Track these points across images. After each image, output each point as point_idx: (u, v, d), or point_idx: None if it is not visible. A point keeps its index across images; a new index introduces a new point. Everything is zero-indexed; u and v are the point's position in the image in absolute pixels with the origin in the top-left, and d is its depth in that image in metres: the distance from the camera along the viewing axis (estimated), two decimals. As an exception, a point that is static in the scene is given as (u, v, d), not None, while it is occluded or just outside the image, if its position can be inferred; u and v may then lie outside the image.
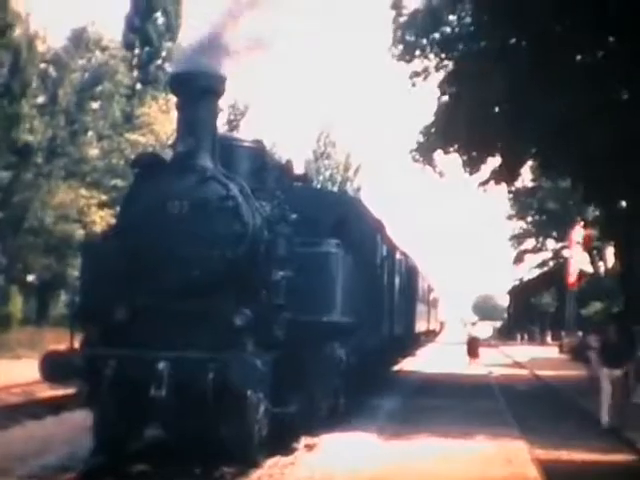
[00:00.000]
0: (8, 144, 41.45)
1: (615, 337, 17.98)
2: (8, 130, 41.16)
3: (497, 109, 26.16)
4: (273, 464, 12.79)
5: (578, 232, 54.69)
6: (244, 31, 13.00)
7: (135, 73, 53.65)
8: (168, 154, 13.62)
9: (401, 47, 27.74)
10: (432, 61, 28.00)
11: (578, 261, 55.86)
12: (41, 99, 46.86)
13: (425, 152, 28.98)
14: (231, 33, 12.89)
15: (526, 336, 79.76)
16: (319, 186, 67.94)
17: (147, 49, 54.72)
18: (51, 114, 46.49)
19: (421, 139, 29.03)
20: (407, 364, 36.59)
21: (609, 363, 17.72)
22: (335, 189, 71.53)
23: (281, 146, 57.90)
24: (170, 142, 17.58)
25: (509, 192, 57.40)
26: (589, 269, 62.89)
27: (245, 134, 16.43)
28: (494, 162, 29.35)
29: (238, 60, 13.27)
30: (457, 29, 27.25)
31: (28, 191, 43.52)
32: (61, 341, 15.75)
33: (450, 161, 29.31)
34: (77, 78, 49.85)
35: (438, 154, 28.97)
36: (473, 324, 47.83)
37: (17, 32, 42.04)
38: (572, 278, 54.71)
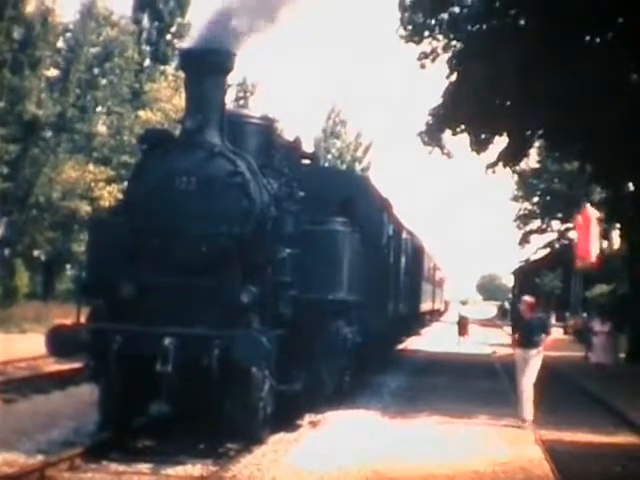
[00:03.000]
0: (15, 117, 41.44)
1: (529, 316, 16.16)
2: (15, 103, 41.15)
3: (504, 89, 26.04)
4: (277, 441, 12.85)
5: (593, 213, 54.07)
6: (255, 8, 12.99)
7: (144, 48, 53.53)
8: (176, 130, 13.63)
9: (410, 28, 27.51)
10: (440, 42, 27.80)
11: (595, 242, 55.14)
12: (52, 73, 46.81)
13: (433, 134, 28.85)
14: (242, 10, 12.87)
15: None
16: (328, 165, 67.80)
17: (157, 24, 54.49)
18: (61, 89, 46.46)
19: (429, 121, 28.88)
20: (412, 343, 36.69)
21: (523, 343, 16.06)
22: (344, 168, 71.33)
23: (290, 124, 57.86)
24: (179, 120, 17.57)
25: (514, 172, 57.11)
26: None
27: (254, 112, 16.44)
28: (501, 142, 29.25)
29: (248, 37, 13.24)
30: (466, 9, 27.05)
31: (35, 166, 43.52)
32: (67, 316, 15.82)
33: (458, 141, 29.20)
34: (88, 53, 49.83)
35: (446, 135, 28.85)
36: (463, 303, 48.51)
37: (30, 7, 42.08)
38: (592, 258, 54.12)
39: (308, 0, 14.57)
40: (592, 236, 52.89)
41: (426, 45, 27.70)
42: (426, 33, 27.37)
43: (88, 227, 17.62)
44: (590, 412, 18.21)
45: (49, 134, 45.99)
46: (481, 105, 25.57)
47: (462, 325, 43.06)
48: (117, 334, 11.80)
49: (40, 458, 11.16)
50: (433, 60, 27.96)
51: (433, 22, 27.27)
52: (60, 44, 49.00)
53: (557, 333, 53.33)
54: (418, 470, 11.36)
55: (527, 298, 16.72)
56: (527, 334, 15.92)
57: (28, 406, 15.89)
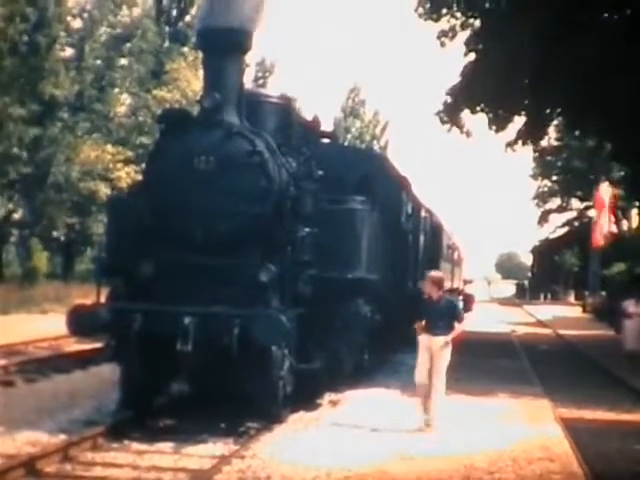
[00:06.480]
0: (34, 97, 41.54)
1: (436, 296, 13.32)
2: (34, 83, 41.24)
3: (522, 68, 25.89)
4: (297, 419, 12.88)
5: (606, 191, 54.00)
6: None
7: (163, 28, 53.48)
8: (195, 110, 13.62)
9: (428, 5, 27.35)
10: (459, 19, 27.64)
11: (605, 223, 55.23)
12: (68, 53, 46.90)
13: (452, 113, 28.71)
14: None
15: (549, 295, 79.50)
16: (347, 144, 67.68)
17: (177, 5, 54.40)
18: (77, 69, 46.51)
19: (448, 100, 28.74)
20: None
21: (429, 328, 13.56)
22: (363, 147, 71.22)
23: (310, 104, 57.89)
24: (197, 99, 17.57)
25: (534, 151, 57.00)
26: (613, 229, 62.48)
27: (273, 91, 16.60)
28: (521, 120, 29.10)
29: (264, 14, 13.22)
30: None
31: (54, 145, 43.61)
32: (87, 296, 15.86)
33: (477, 119, 29.05)
34: (106, 34, 49.84)
35: (465, 114, 28.71)
36: (469, 282, 49.59)
37: None
38: (600, 239, 54.19)
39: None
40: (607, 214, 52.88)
41: (444, 23, 27.55)
42: (444, 11, 27.20)
43: (107, 208, 17.65)
44: (610, 390, 18.16)
45: (67, 114, 46.08)
46: (499, 84, 25.44)
47: (467, 302, 46.44)
48: (137, 313, 11.84)
49: (62, 437, 11.18)
50: (452, 38, 27.82)
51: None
52: (77, 24, 49.05)
53: (576, 312, 53.49)
54: (438, 448, 11.37)
55: (433, 273, 14.09)
56: (434, 317, 13.37)
57: (49, 386, 15.95)
